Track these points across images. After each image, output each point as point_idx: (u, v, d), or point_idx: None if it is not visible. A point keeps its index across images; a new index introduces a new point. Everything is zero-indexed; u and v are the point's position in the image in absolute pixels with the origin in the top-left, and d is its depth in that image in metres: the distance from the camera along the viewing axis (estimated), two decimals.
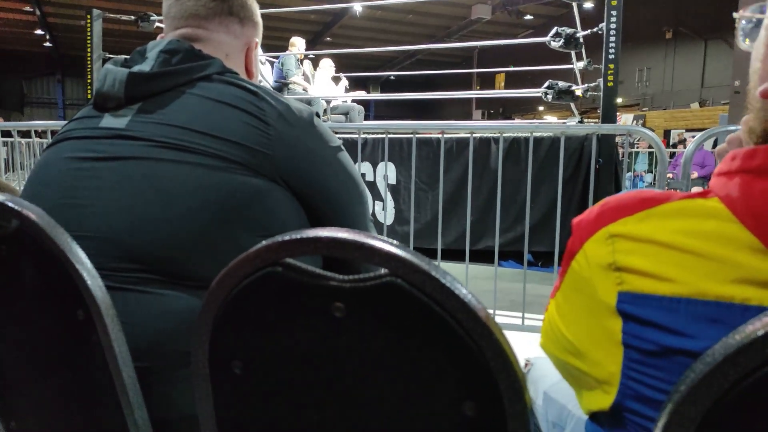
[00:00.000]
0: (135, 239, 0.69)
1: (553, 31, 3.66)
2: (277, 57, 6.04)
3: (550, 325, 0.47)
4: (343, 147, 0.86)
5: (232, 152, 0.72)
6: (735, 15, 0.46)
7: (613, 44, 3.19)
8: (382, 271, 0.39)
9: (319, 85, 6.32)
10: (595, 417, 0.43)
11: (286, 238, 0.42)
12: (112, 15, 5.01)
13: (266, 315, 0.43)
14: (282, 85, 5.88)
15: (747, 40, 0.44)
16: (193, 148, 0.71)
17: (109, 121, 0.76)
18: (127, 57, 0.82)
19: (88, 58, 4.64)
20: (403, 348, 0.40)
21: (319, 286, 0.41)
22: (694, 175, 5.60)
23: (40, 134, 3.71)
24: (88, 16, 4.56)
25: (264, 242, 0.43)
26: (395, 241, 0.40)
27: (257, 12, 0.93)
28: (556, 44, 3.63)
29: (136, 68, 0.77)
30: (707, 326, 0.35)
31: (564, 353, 0.45)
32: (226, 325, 0.44)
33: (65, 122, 0.85)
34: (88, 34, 4.58)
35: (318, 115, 0.84)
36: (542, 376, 0.91)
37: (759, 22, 0.43)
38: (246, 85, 0.78)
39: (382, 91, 19.76)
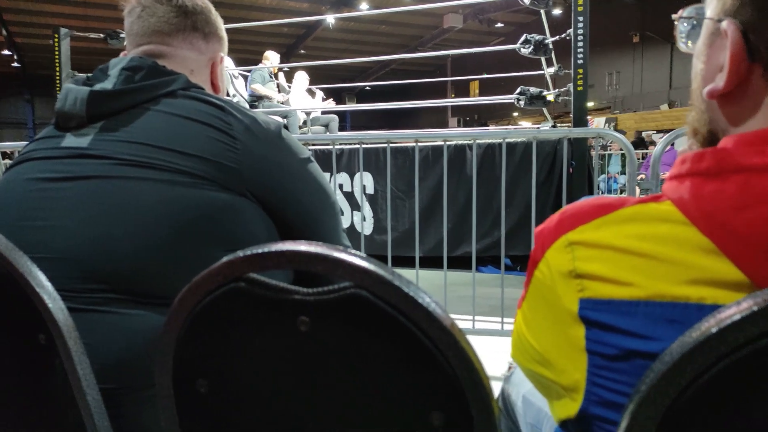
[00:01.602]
0: (98, 259, 0.67)
1: (523, 38, 3.73)
2: (249, 71, 6.02)
3: (518, 335, 0.47)
4: (312, 158, 0.85)
5: (198, 167, 0.71)
6: (674, 16, 0.47)
7: (581, 49, 3.25)
8: (346, 283, 0.39)
9: (296, 97, 6.32)
10: (564, 425, 0.43)
11: (249, 252, 0.41)
12: (79, 33, 4.94)
13: (230, 332, 0.43)
14: (257, 98, 5.86)
15: (689, 42, 0.45)
16: (157, 164, 0.70)
17: (71, 140, 0.75)
18: (90, 75, 0.81)
19: (57, 77, 4.56)
20: (369, 360, 0.40)
21: (283, 300, 0.41)
22: (665, 174, 5.71)
23: (9, 155, 3.62)
24: (56, 36, 4.48)
25: (226, 257, 0.42)
26: (359, 253, 0.40)
27: (222, 27, 0.93)
28: (526, 51, 3.69)
29: (98, 86, 0.76)
30: (666, 327, 0.35)
31: (532, 363, 0.45)
32: (189, 343, 0.43)
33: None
34: (56, 53, 4.50)
35: (286, 128, 0.84)
36: (523, 380, 0.92)
37: (698, 23, 0.44)
38: (211, 100, 0.77)
39: (357, 102, 19.83)
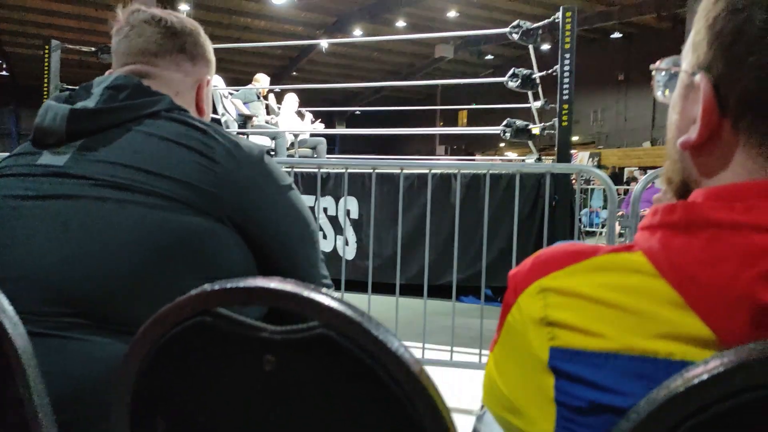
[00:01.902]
0: (66, 281, 0.66)
1: (511, 71, 3.80)
2: (237, 90, 6.06)
3: (489, 380, 0.46)
4: (294, 186, 0.85)
5: (176, 191, 0.70)
6: (651, 67, 0.47)
7: (566, 86, 3.32)
8: (315, 322, 0.38)
9: (285, 119, 6.35)
10: None
11: (217, 286, 0.40)
12: (71, 46, 4.92)
13: (194, 368, 0.41)
14: (246, 117, 5.87)
15: (666, 91, 0.46)
16: (135, 186, 0.69)
17: (47, 158, 0.73)
18: (72, 92, 0.80)
19: (45, 90, 4.53)
20: (335, 403, 0.39)
21: (249, 337, 0.40)
22: (646, 211, 5.80)
23: None
24: (46, 47, 4.46)
25: (194, 290, 0.41)
26: (329, 292, 0.39)
27: (210, 50, 0.93)
28: (513, 84, 3.76)
29: (79, 104, 0.75)
30: (634, 382, 0.35)
31: (503, 410, 0.44)
32: (150, 378, 0.42)
33: (5, 156, 0.81)
34: (46, 65, 4.48)
35: (269, 153, 0.83)
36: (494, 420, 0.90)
37: (675, 74, 0.45)
38: (194, 123, 0.76)
39: (347, 126, 19.97)
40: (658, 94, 0.47)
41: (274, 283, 0.39)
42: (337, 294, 0.39)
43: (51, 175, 0.72)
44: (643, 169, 11.97)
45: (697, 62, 0.41)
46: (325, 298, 0.38)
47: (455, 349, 2.75)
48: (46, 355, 0.60)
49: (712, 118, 0.39)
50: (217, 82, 5.86)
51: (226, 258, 0.73)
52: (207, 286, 0.40)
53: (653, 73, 0.47)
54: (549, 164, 3.43)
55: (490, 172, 2.73)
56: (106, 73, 0.86)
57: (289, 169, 2.85)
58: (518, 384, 0.42)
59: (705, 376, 0.30)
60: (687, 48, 0.43)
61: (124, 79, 0.78)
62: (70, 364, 0.63)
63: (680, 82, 0.43)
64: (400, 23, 14.69)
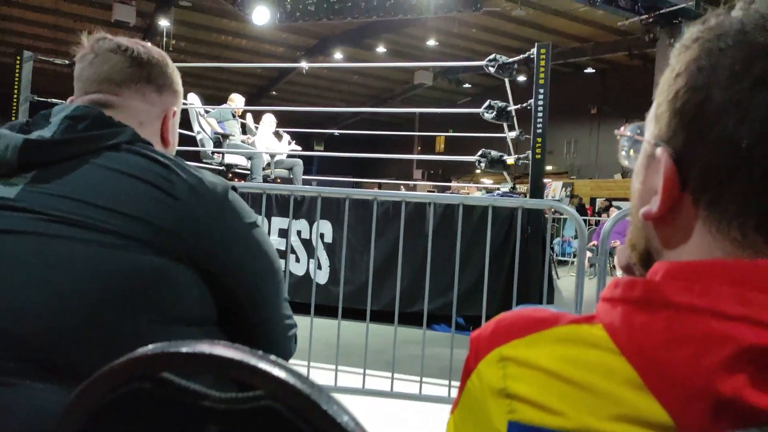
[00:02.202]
0: (11, 324, 0.62)
1: (486, 103, 3.86)
2: (213, 108, 6.03)
3: None
4: (259, 223, 0.83)
5: (132, 228, 0.67)
6: (616, 132, 0.47)
7: (540, 120, 3.39)
8: (261, 392, 0.36)
9: (262, 139, 6.31)
10: None
11: (158, 351, 0.38)
12: (43, 57, 4.84)
13: None
14: (222, 136, 5.82)
15: (631, 152, 0.46)
16: (88, 223, 0.66)
17: None
18: (28, 120, 0.77)
19: (14, 101, 4.42)
20: None
21: (192, 405, 0.37)
22: (617, 243, 5.91)
23: None
24: (18, 58, 4.37)
25: (132, 354, 0.38)
26: (278, 360, 0.37)
27: (178, 80, 0.91)
28: (488, 116, 3.82)
29: (35, 134, 0.72)
30: None
31: None
32: None
33: None
34: (17, 76, 4.38)
35: (235, 189, 0.81)
36: None
37: (639, 142, 0.45)
38: (156, 157, 0.74)
39: (326, 147, 19.99)
40: (623, 159, 0.47)
41: (219, 350, 0.37)
42: (285, 362, 0.37)
43: (0, 208, 0.68)
44: (615, 200, 12.25)
45: (659, 134, 0.41)
46: (272, 367, 0.36)
47: (424, 380, 2.72)
48: None
49: (672, 192, 0.39)
50: (193, 100, 5.81)
51: (184, 300, 0.70)
52: (147, 349, 0.38)
53: (618, 137, 0.47)
54: (521, 199, 3.47)
55: (464, 203, 2.75)
56: (68, 100, 0.83)
57: (261, 192, 2.82)
58: None
59: None
60: (650, 117, 0.43)
61: (85, 109, 0.75)
62: (9, 413, 0.59)
63: (643, 150, 0.43)
64: (381, 49, 14.88)
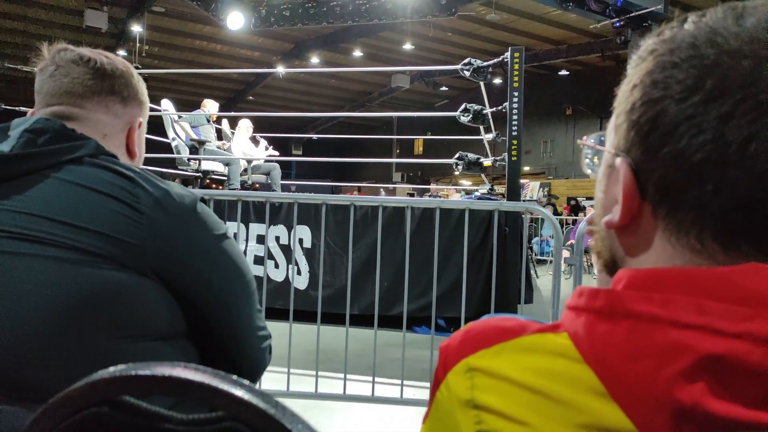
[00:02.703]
0: None
1: (462, 107, 3.89)
2: (184, 115, 5.95)
3: None
4: (229, 234, 0.81)
5: (94, 243, 0.66)
6: (579, 142, 0.48)
7: (515, 122, 3.42)
8: (221, 413, 0.35)
9: (238, 145, 6.26)
10: None
11: (117, 374, 0.37)
12: (11, 65, 4.72)
13: None
14: (197, 142, 5.75)
15: (595, 159, 0.46)
16: (48, 239, 0.65)
17: None
18: None
19: None
20: None
21: (152, 429, 0.36)
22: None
23: None
24: None
25: (89, 378, 0.37)
26: (240, 380, 0.36)
27: (144, 91, 0.89)
28: (465, 119, 3.85)
29: None
30: None
31: None
32: None
33: None
34: None
35: (204, 201, 0.79)
36: None
37: (600, 150, 0.45)
38: (119, 170, 0.72)
39: (303, 151, 19.90)
40: (586, 168, 0.47)
41: (178, 371, 0.36)
42: (246, 382, 0.36)
43: None
44: (591, 199, 12.42)
45: (617, 145, 0.41)
46: (234, 387, 0.35)
47: (405, 383, 2.72)
48: None
49: (632, 203, 0.39)
50: (167, 105, 5.73)
51: (151, 315, 0.68)
52: (104, 373, 0.37)
53: (581, 147, 0.48)
54: (497, 202, 3.51)
55: (441, 207, 2.76)
56: (28, 113, 0.81)
57: (236, 199, 2.79)
58: None
59: None
60: (610, 127, 0.44)
61: (45, 123, 0.73)
62: None
63: (604, 160, 0.44)
64: (357, 53, 14.89)
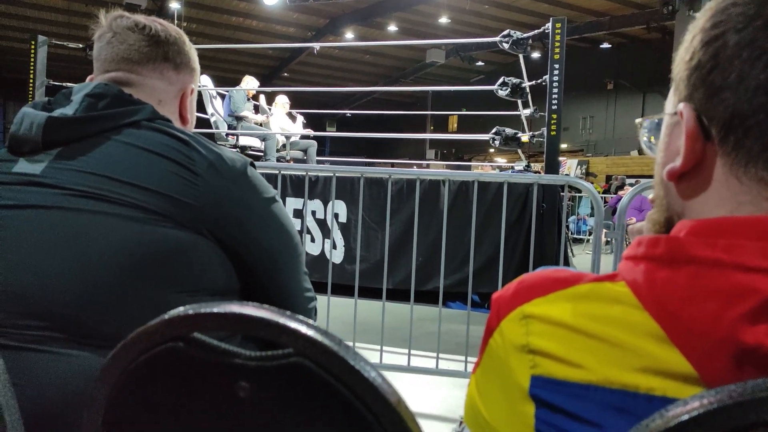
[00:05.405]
0: (40, 294, 0.64)
1: (501, 80, 3.81)
2: (227, 90, 6.02)
3: (471, 401, 0.46)
4: (278, 198, 0.84)
5: (154, 203, 0.69)
6: (637, 121, 0.48)
7: (555, 96, 3.34)
8: (290, 349, 0.37)
9: (276, 120, 6.32)
10: None
11: (190, 311, 0.39)
12: (58, 42, 4.86)
13: (165, 394, 0.40)
14: (236, 118, 5.83)
15: (652, 137, 0.46)
16: (112, 197, 0.68)
17: (23, 166, 0.72)
18: (50, 98, 0.78)
19: (30, 85, 4.46)
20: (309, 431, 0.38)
21: (222, 363, 0.39)
22: (633, 220, 5.85)
23: None
24: (32, 43, 4.40)
25: (166, 314, 0.40)
26: (306, 319, 0.38)
27: (195, 58, 0.91)
28: (503, 93, 3.77)
29: (57, 112, 0.73)
30: (614, 415, 0.35)
31: None
32: (120, 404, 0.41)
33: None
34: (32, 60, 4.41)
35: (253, 165, 0.82)
36: None
37: (659, 123, 0.45)
38: (176, 133, 0.75)
39: (338, 128, 19.94)
40: (644, 145, 0.48)
41: (248, 309, 0.38)
42: (312, 321, 0.38)
43: (26, 184, 0.70)
44: (631, 177, 12.07)
45: (678, 99, 0.41)
46: (301, 325, 0.37)
47: (441, 356, 2.75)
48: (17, 369, 0.59)
49: (696, 145, 0.39)
50: (206, 82, 5.81)
51: (206, 272, 0.71)
52: (180, 311, 0.39)
53: (638, 126, 0.48)
54: (536, 175, 3.45)
55: (479, 180, 2.74)
56: (87, 79, 0.84)
57: (277, 172, 2.83)
58: (499, 410, 0.42)
59: (684, 417, 0.29)
60: (669, 97, 0.44)
61: (105, 88, 0.76)
62: (44, 380, 0.62)
63: (664, 127, 0.44)
64: (392, 27, 14.70)
